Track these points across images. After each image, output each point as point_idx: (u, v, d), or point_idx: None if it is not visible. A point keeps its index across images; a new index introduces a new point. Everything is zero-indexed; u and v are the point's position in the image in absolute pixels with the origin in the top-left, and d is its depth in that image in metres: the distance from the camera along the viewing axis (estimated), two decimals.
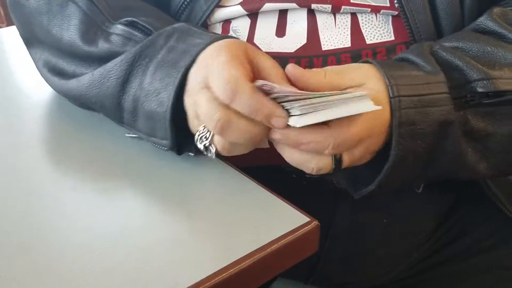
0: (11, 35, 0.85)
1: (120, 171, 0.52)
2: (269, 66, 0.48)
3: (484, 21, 0.54)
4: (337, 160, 0.48)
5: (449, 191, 0.68)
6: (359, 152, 0.48)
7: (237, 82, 0.44)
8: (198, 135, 0.48)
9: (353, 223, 0.66)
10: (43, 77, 0.63)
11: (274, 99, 0.45)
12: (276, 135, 0.47)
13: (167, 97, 0.49)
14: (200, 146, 0.49)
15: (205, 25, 0.61)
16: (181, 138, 0.51)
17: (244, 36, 0.59)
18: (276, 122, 0.45)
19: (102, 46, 0.55)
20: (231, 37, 0.52)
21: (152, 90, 0.50)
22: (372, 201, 0.62)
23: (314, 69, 0.48)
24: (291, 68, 0.47)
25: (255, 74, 0.47)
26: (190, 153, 0.53)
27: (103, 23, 0.56)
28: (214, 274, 0.39)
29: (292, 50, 0.57)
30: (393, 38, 0.58)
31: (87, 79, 0.55)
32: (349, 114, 0.45)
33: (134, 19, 0.55)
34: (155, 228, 0.44)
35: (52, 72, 0.60)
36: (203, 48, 0.48)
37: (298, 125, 0.45)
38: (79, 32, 0.56)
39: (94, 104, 0.56)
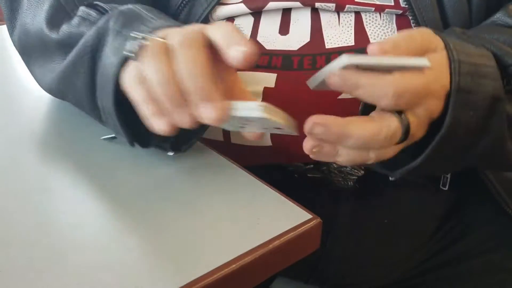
0: None
1: (119, 168, 0.52)
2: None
3: (501, 17, 0.53)
4: (405, 125, 0.43)
5: (451, 192, 0.68)
6: (423, 113, 0.44)
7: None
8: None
9: (354, 223, 0.66)
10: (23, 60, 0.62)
11: None
12: (334, 78, 0.41)
13: (109, 92, 0.46)
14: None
15: (207, 23, 0.61)
16: (136, 135, 0.49)
17: (247, 34, 0.59)
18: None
19: (63, 30, 0.54)
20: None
21: (102, 84, 0.47)
22: (373, 201, 0.62)
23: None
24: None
25: None
26: (169, 153, 0.52)
27: (73, 10, 0.56)
28: (215, 270, 0.39)
29: (296, 48, 0.57)
30: None
31: (59, 75, 0.53)
32: (403, 64, 0.42)
33: (95, 2, 0.54)
34: (156, 225, 0.44)
35: (26, 56, 0.60)
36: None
37: (350, 61, 0.40)
38: (47, 17, 0.56)
39: (79, 108, 0.55)
